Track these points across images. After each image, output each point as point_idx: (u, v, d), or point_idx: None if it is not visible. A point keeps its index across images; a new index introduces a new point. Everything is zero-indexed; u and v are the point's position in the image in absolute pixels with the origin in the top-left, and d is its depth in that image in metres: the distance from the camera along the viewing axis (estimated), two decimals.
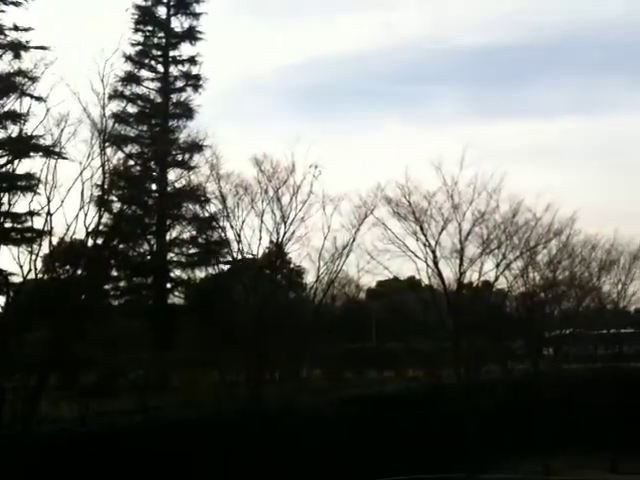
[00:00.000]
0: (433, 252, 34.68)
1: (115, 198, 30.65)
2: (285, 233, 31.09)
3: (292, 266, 35.82)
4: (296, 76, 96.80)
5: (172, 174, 35.72)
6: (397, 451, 28.54)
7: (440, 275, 35.04)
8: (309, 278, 35.17)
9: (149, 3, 37.19)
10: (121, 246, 32.69)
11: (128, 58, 36.10)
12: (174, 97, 37.12)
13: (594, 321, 39.46)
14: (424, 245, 34.71)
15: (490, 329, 36.06)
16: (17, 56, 28.64)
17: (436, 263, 34.84)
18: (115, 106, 34.35)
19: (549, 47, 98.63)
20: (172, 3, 37.53)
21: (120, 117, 34.30)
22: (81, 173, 24.67)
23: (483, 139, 73.42)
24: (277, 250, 32.06)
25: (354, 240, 33.02)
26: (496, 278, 36.01)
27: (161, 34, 37.63)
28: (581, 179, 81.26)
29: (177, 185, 35.23)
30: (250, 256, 31.52)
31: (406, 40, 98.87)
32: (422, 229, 34.65)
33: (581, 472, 31.54)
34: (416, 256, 34.88)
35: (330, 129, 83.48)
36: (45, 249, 25.62)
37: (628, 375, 36.29)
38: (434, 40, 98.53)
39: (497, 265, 35.31)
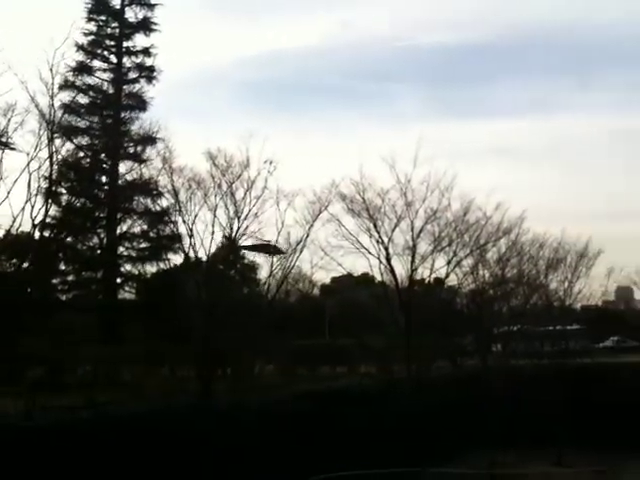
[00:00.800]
0: (386, 249, 35.16)
1: (64, 190, 30.12)
2: (239, 228, 30.97)
3: (246, 261, 35.73)
4: (253, 71, 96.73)
5: (123, 167, 35.25)
6: (349, 446, 28.62)
7: (392, 272, 35.56)
8: (263, 274, 35.18)
9: None
10: (70, 239, 32.12)
11: (80, 48, 35.52)
12: (127, 88, 36.58)
13: (541, 318, 40.37)
14: (377, 242, 35.17)
15: (441, 325, 36.51)
16: None
17: (389, 260, 35.34)
18: (66, 96, 33.88)
19: (505, 49, 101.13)
20: None
21: (70, 108, 33.79)
22: (28, 164, 24.23)
23: (437, 137, 74.81)
24: (230, 245, 31.87)
25: (308, 236, 33.21)
26: (447, 275, 36.73)
27: (115, 24, 37.07)
28: (531, 179, 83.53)
29: (128, 178, 34.76)
30: (203, 251, 31.30)
31: (366, 37, 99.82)
32: (375, 226, 35.09)
33: (526, 465, 32.17)
34: (369, 252, 35.34)
35: (286, 124, 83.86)
36: None
37: (574, 371, 37.12)
38: (393, 38, 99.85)
39: (448, 262, 36.00)
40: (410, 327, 34.41)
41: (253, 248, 33.12)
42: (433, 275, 36.94)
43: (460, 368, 39.60)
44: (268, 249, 33.17)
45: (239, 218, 30.68)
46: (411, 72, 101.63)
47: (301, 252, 33.11)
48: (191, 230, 30.69)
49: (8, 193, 23.83)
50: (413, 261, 35.13)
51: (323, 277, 45.52)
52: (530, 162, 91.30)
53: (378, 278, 38.26)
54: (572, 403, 33.74)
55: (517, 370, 36.51)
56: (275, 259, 32.37)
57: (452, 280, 37.82)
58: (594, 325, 47.46)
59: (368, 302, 43.11)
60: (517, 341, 40.53)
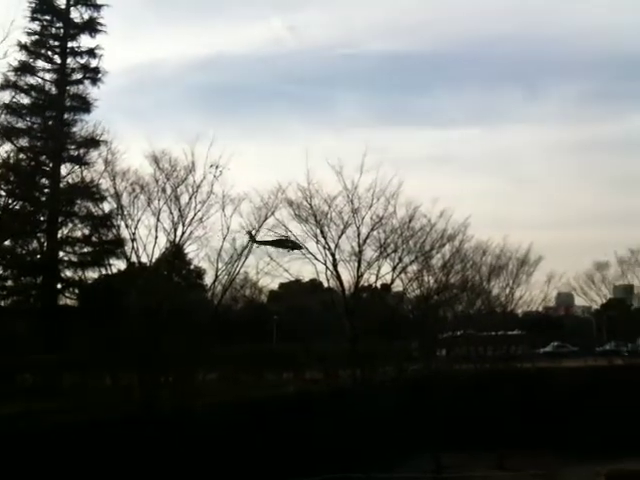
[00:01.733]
0: (333, 255, 35.29)
1: (3, 192, 29.30)
2: (183, 233, 30.68)
3: (191, 267, 35.36)
4: (199, 74, 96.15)
5: (65, 169, 34.50)
6: (294, 453, 28.58)
7: (339, 278, 35.70)
8: (209, 280, 34.85)
9: None
10: (8, 243, 31.24)
11: (23, 47, 34.81)
12: (70, 89, 35.92)
13: (484, 323, 41.16)
14: (324, 248, 35.27)
15: (387, 331, 36.84)
16: None
17: (335, 266, 35.47)
18: (6, 96, 33.13)
19: (453, 58, 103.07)
20: None
21: (11, 108, 33.07)
22: None
23: (384, 144, 75.55)
24: (175, 250, 31.51)
25: (254, 241, 33.02)
26: (392, 281, 37.10)
27: (59, 24, 36.41)
28: (475, 187, 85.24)
29: (70, 181, 34.01)
30: (146, 256, 30.86)
31: (313, 43, 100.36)
32: (322, 232, 35.19)
33: (470, 469, 32.68)
34: (316, 259, 35.40)
35: (232, 128, 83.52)
36: None
37: (516, 375, 37.91)
38: (340, 45, 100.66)
39: (393, 268, 36.34)
40: (356, 333, 34.61)
41: (270, 243, 33.12)
42: (379, 281, 37.31)
43: (405, 373, 39.97)
44: (286, 244, 33.19)
45: (184, 223, 30.45)
46: (357, 79, 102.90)
47: (247, 258, 33.02)
48: (134, 235, 30.32)
49: None
50: (359, 267, 35.41)
51: (269, 283, 45.18)
52: (472, 171, 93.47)
53: (325, 284, 38.44)
54: (514, 407, 34.44)
55: (461, 374, 37.10)
56: (221, 264, 32.10)
57: (398, 286, 38.28)
58: (535, 331, 48.64)
59: (315, 308, 43.19)
60: (460, 346, 41.21)
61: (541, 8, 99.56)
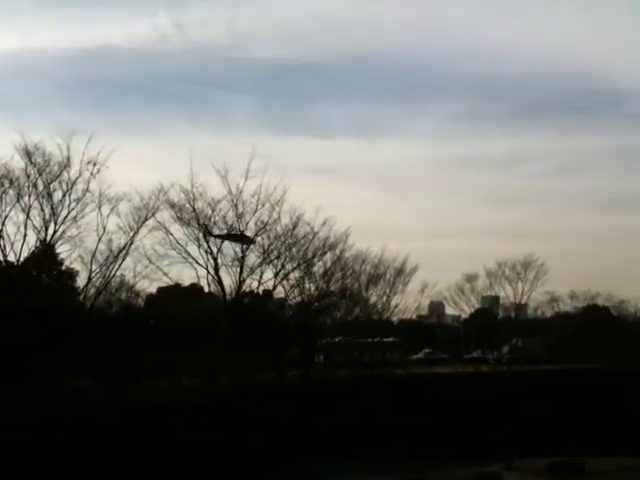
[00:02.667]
0: (215, 259, 34.76)
1: None
2: (55, 232, 29.29)
3: (63, 268, 33.65)
4: (80, 66, 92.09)
5: None
6: (170, 461, 27.89)
7: (220, 283, 35.22)
8: (82, 282, 33.31)
9: None
10: None
11: None
12: None
13: (362, 330, 42.08)
14: (206, 252, 34.66)
15: (267, 337, 36.73)
16: None
17: (217, 271, 34.96)
18: None
19: (336, 71, 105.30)
20: None
21: None
22: None
23: (270, 151, 75.65)
24: (45, 250, 29.94)
25: (132, 243, 32.05)
26: (274, 287, 37.07)
27: None
28: (357, 197, 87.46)
29: None
30: (14, 254, 29.11)
31: (199, 44, 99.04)
32: (205, 236, 34.55)
33: (343, 475, 33.08)
34: (197, 263, 34.73)
35: (113, 126, 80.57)
36: None
37: (391, 381, 39.00)
38: (228, 47, 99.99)
39: (276, 275, 36.37)
40: (235, 338, 34.26)
41: (226, 237, 31.83)
42: (261, 287, 37.16)
43: (283, 379, 40.02)
44: (240, 238, 32.13)
45: (56, 221, 29.14)
46: (243, 83, 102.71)
47: (124, 260, 31.92)
48: (0, 232, 28.65)
49: None
50: (241, 273, 35.12)
51: (147, 287, 43.77)
52: (356, 181, 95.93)
53: (206, 289, 37.81)
54: (389, 413, 35.35)
55: (337, 380, 37.65)
56: (95, 266, 30.80)
57: (279, 292, 38.32)
58: (409, 338, 50.40)
59: (195, 313, 42.30)
60: (338, 352, 41.90)
61: (426, 29, 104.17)
